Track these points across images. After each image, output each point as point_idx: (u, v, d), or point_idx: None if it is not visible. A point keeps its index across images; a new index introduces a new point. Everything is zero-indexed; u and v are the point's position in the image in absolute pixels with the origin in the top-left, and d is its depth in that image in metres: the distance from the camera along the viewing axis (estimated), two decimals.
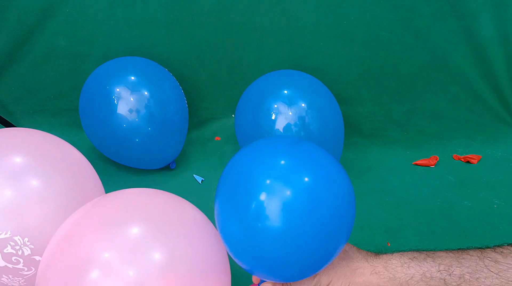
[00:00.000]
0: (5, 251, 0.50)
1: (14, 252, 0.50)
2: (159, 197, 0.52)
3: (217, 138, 1.22)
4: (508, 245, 0.44)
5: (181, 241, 0.46)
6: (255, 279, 0.56)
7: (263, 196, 0.42)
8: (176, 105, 1.00)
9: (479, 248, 0.45)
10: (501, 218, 0.92)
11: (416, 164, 1.13)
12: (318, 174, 0.44)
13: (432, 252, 0.47)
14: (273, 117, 0.88)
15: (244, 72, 1.19)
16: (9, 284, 0.54)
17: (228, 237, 0.46)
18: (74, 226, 0.46)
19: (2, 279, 0.53)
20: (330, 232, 0.43)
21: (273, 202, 0.41)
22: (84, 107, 0.97)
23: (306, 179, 0.43)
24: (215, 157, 1.13)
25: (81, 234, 0.44)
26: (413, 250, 0.48)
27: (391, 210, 0.94)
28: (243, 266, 0.47)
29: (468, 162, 1.14)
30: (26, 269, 0.52)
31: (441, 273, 0.44)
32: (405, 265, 0.46)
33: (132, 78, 0.94)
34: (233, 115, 1.26)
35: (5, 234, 0.50)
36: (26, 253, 0.51)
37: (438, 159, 1.14)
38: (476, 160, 1.14)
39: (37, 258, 0.52)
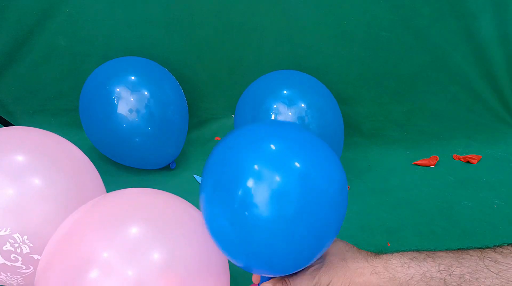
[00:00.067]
0: (4, 248, 0.50)
1: (13, 249, 0.50)
2: (159, 197, 0.52)
3: (217, 138, 1.22)
4: (508, 245, 0.44)
5: (181, 241, 0.46)
6: (255, 279, 0.56)
7: (250, 183, 0.39)
8: (176, 105, 1.00)
9: (479, 248, 0.45)
10: (501, 218, 0.92)
11: (416, 164, 1.13)
12: (309, 159, 0.42)
13: (432, 252, 0.47)
14: (272, 117, 0.88)
15: (244, 72, 1.20)
16: (7, 282, 0.54)
17: (215, 230, 0.44)
18: (74, 225, 0.46)
19: (0, 276, 0.53)
20: (323, 220, 0.41)
21: (261, 189, 0.39)
22: (84, 107, 0.97)
23: (297, 164, 0.40)
24: None
25: (81, 234, 0.44)
26: (413, 250, 0.48)
27: (391, 210, 0.94)
28: (237, 263, 0.46)
29: (468, 162, 1.14)
30: (24, 267, 0.52)
31: (441, 273, 0.44)
32: (405, 265, 0.46)
33: (132, 78, 0.94)
34: (233, 115, 1.26)
35: (5, 231, 0.50)
36: (25, 251, 0.51)
37: (438, 159, 1.14)
38: (476, 160, 1.14)
39: (35, 256, 0.52)
